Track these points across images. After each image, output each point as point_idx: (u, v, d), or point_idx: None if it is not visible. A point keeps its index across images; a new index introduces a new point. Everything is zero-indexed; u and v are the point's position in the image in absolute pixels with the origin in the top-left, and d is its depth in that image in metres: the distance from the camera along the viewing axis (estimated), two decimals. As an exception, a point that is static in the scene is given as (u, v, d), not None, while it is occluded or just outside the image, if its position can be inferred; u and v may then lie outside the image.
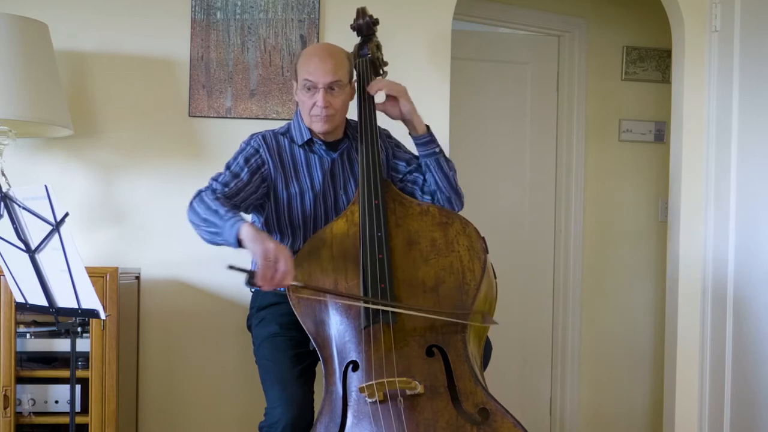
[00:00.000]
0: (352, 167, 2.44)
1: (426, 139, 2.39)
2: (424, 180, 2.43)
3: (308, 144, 2.41)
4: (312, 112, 2.32)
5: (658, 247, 3.91)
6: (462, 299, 2.14)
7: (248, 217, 2.43)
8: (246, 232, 2.06)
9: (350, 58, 2.41)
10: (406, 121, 2.41)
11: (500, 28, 3.88)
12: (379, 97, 2.43)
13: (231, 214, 2.12)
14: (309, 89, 2.31)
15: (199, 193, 2.24)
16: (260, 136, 2.40)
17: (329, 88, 2.29)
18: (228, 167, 2.34)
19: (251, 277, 2.02)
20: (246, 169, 2.32)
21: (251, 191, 2.34)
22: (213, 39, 2.89)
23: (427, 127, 2.41)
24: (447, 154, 2.95)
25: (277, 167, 2.37)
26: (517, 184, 3.90)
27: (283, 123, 2.61)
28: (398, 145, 2.51)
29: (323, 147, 2.41)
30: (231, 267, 2.02)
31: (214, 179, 2.30)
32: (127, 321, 2.66)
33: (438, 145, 2.41)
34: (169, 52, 2.88)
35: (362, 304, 2.13)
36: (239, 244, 2.08)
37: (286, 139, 2.41)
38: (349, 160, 2.45)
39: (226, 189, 2.27)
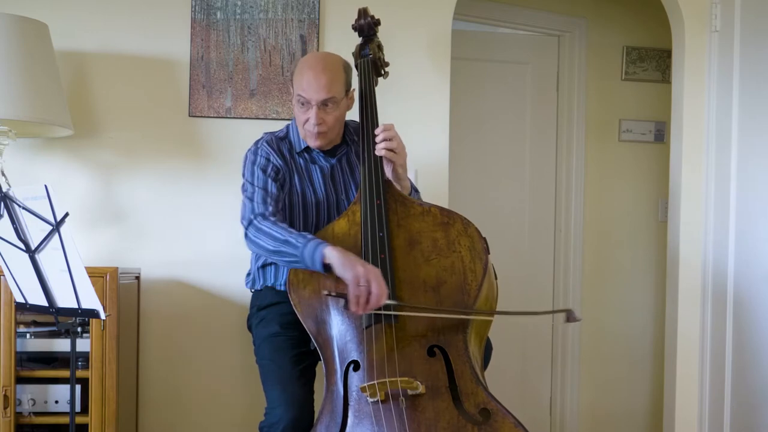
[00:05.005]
0: (352, 172, 2.43)
1: None
2: None
3: (306, 152, 2.41)
4: (305, 127, 2.32)
5: (658, 247, 3.92)
6: (463, 299, 2.14)
7: None
8: (333, 257, 2.08)
9: (347, 69, 2.38)
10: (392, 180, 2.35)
11: (500, 28, 3.88)
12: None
13: (303, 240, 2.13)
14: (303, 104, 2.30)
15: (250, 223, 2.24)
16: (265, 143, 2.39)
17: (323, 104, 2.28)
18: (252, 184, 2.32)
19: (346, 303, 2.06)
20: (269, 180, 2.32)
21: (283, 199, 2.34)
22: (213, 39, 2.89)
23: (414, 189, 2.39)
24: (447, 155, 2.97)
25: (285, 171, 2.37)
26: (517, 184, 3.90)
27: (282, 123, 2.61)
28: None
29: (321, 154, 2.41)
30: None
31: (250, 199, 2.29)
32: (127, 321, 2.66)
33: None
34: (169, 52, 2.88)
35: (452, 315, 2.12)
36: (326, 269, 2.10)
37: (286, 145, 2.40)
38: (349, 164, 2.44)
39: (270, 207, 2.27)
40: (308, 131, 2.32)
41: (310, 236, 2.16)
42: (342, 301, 2.09)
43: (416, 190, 2.48)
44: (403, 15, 2.94)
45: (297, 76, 2.33)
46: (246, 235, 2.26)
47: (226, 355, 2.88)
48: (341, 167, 2.43)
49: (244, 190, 2.34)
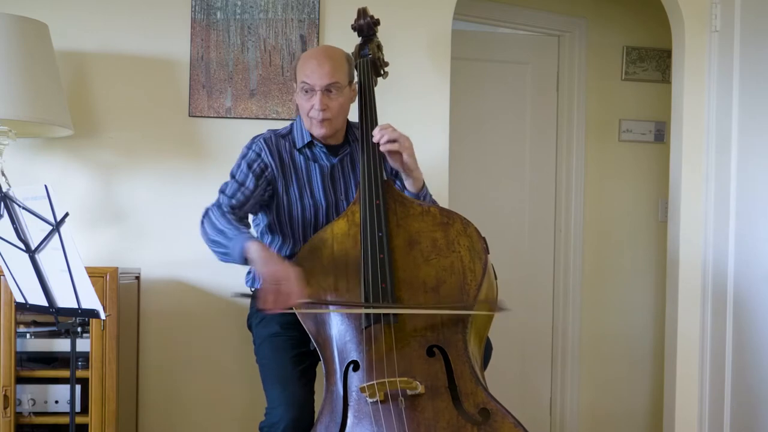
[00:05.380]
0: (354, 172, 2.44)
1: (415, 197, 2.34)
2: None
3: (309, 147, 2.41)
4: (310, 114, 2.33)
5: (658, 247, 3.91)
6: (463, 299, 2.14)
7: (253, 231, 2.44)
8: (254, 251, 2.07)
9: (350, 60, 2.40)
10: (404, 176, 2.35)
11: (500, 28, 3.88)
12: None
13: (236, 233, 2.13)
14: (306, 92, 2.31)
15: (207, 212, 2.26)
16: (262, 139, 2.40)
17: (326, 90, 2.29)
18: (233, 176, 2.34)
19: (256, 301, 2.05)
20: (250, 175, 2.33)
21: (259, 195, 2.35)
22: (213, 39, 2.89)
23: (423, 183, 2.37)
24: (447, 156, 2.98)
25: (278, 170, 2.37)
26: (517, 184, 3.90)
27: (282, 123, 2.61)
28: None
29: (324, 150, 2.41)
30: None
31: (222, 191, 2.31)
32: (127, 321, 2.66)
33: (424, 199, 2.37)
34: (169, 52, 2.88)
35: (363, 310, 2.12)
36: (248, 263, 2.11)
37: (287, 142, 2.41)
38: (351, 164, 2.44)
39: (233, 200, 2.28)
40: (313, 119, 2.33)
41: (245, 231, 2.16)
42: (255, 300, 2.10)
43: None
44: (403, 15, 2.94)
45: (300, 66, 2.35)
46: (201, 220, 2.27)
47: (226, 355, 2.88)
48: (342, 167, 2.43)
49: (225, 182, 2.36)
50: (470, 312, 2.13)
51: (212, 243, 2.21)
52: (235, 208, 2.27)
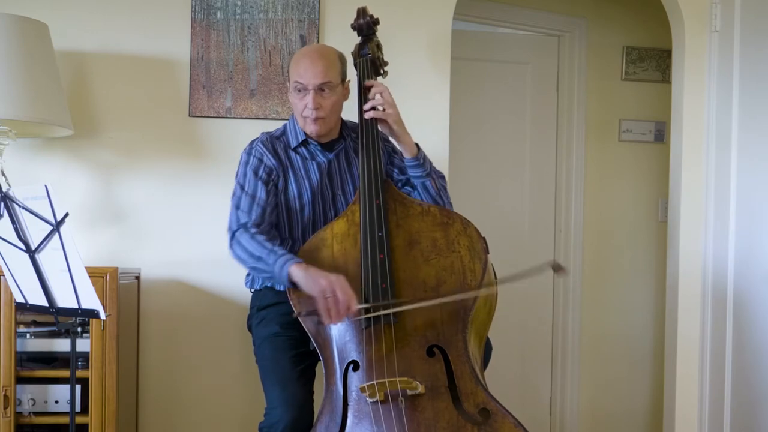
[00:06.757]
0: (350, 167, 2.44)
1: (413, 163, 2.38)
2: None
3: (303, 145, 2.41)
4: (303, 114, 2.33)
5: (658, 247, 3.92)
6: (463, 299, 2.14)
7: None
8: (297, 276, 2.11)
9: (343, 59, 2.40)
10: (397, 144, 2.41)
11: (500, 28, 3.89)
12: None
13: (273, 257, 2.16)
14: (299, 91, 2.32)
15: (233, 235, 2.27)
16: (260, 143, 2.39)
17: (319, 89, 2.30)
18: (241, 187, 2.33)
19: (320, 318, 2.07)
20: (260, 184, 2.33)
21: (273, 203, 2.35)
22: (213, 39, 2.89)
23: (417, 147, 2.39)
24: (447, 156, 2.98)
25: (280, 170, 2.37)
26: (517, 184, 3.90)
27: (282, 123, 2.61)
28: (395, 150, 2.50)
29: (318, 147, 2.42)
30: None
31: (237, 206, 2.31)
32: (127, 321, 2.66)
33: (426, 168, 2.39)
34: (169, 52, 2.88)
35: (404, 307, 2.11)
36: (295, 286, 2.14)
37: (281, 143, 2.41)
38: (347, 160, 2.45)
39: (254, 216, 2.29)
40: (306, 117, 2.33)
41: (280, 252, 2.17)
42: (316, 318, 2.10)
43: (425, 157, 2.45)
44: (403, 15, 2.94)
45: (293, 65, 2.36)
46: (230, 245, 2.28)
47: (226, 355, 2.88)
48: (338, 162, 2.44)
49: (233, 194, 2.35)
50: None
51: (253, 269, 2.27)
52: (259, 224, 2.28)
